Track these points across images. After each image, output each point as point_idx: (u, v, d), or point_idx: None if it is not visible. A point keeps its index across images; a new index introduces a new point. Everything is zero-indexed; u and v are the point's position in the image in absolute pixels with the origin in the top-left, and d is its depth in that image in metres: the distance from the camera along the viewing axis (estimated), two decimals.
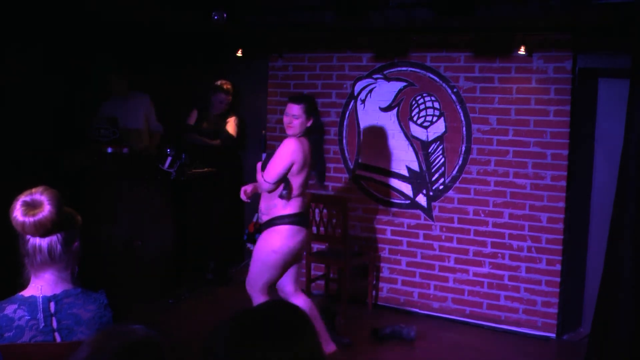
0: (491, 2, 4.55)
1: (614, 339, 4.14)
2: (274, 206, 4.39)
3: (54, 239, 2.19)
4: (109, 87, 6.20)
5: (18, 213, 2.14)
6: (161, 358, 1.48)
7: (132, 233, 5.75)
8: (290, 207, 4.39)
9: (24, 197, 2.16)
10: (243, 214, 6.86)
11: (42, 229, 2.15)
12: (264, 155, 4.60)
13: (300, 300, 4.48)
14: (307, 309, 4.37)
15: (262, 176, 4.40)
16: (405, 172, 6.00)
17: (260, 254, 4.42)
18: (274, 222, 4.40)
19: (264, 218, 4.44)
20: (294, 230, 4.39)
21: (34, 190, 2.17)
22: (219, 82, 6.54)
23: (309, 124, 4.46)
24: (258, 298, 4.45)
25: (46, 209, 2.14)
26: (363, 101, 6.18)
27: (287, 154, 4.37)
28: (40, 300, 2.18)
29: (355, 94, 6.22)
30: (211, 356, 1.39)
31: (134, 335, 1.49)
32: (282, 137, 6.57)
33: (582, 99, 5.39)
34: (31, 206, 2.14)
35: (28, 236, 2.18)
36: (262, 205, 4.48)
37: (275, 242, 4.37)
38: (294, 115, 4.41)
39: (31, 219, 2.13)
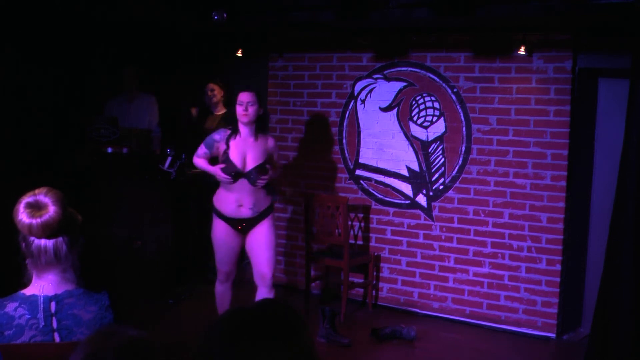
0: (491, 2, 4.56)
1: (614, 339, 4.14)
2: (262, 198, 4.73)
3: (59, 239, 2.17)
4: (121, 81, 6.21)
5: (24, 215, 2.11)
6: (153, 359, 1.48)
7: (132, 233, 5.74)
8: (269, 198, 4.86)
9: (27, 199, 2.13)
10: None
11: (49, 230, 2.14)
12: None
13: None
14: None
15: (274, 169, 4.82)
16: (405, 172, 6.00)
17: (273, 238, 4.79)
18: (269, 211, 4.78)
19: (261, 209, 4.71)
20: None
21: (37, 191, 2.15)
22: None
23: (261, 112, 4.69)
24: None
25: (52, 210, 2.12)
26: (363, 101, 6.18)
27: None
28: (42, 299, 2.17)
29: (355, 94, 6.21)
30: (206, 355, 1.39)
31: (126, 336, 1.49)
32: (282, 137, 6.61)
33: (582, 99, 5.39)
34: (36, 208, 2.12)
35: (32, 238, 2.16)
36: (249, 199, 4.68)
37: (274, 227, 4.87)
38: (249, 103, 4.61)
39: (38, 221, 2.11)
